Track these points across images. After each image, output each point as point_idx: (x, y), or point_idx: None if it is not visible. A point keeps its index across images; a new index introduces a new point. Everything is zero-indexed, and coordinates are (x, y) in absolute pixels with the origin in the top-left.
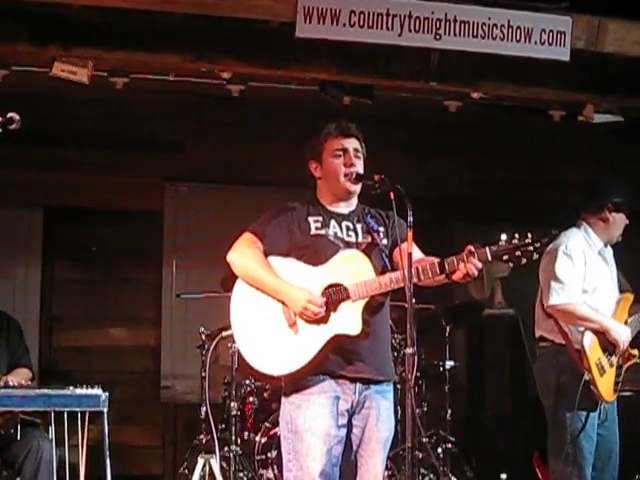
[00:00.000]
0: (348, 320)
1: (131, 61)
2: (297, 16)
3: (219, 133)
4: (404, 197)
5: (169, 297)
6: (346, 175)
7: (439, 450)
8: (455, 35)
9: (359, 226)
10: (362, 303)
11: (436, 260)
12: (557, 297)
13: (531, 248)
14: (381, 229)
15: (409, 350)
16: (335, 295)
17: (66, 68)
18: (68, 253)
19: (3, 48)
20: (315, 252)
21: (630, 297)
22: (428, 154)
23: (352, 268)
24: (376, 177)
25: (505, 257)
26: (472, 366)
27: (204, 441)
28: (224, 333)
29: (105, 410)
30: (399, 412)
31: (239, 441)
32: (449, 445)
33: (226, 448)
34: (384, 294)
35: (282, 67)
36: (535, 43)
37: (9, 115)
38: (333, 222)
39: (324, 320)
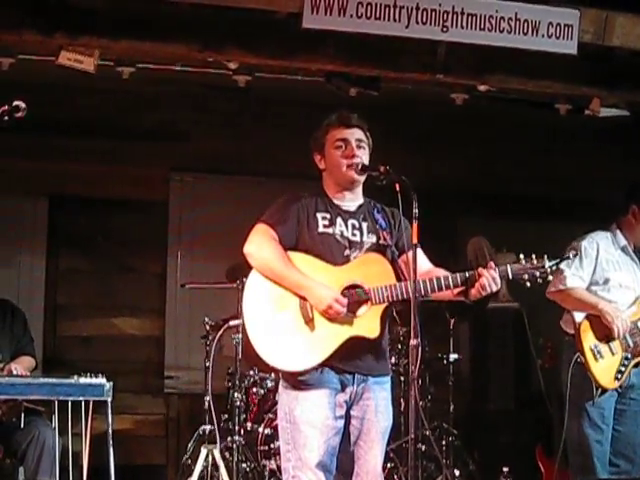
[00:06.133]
0: (367, 323)
1: (137, 51)
2: (304, 7)
3: (225, 123)
4: (409, 189)
5: (173, 287)
6: (349, 166)
7: (442, 443)
8: (462, 27)
9: (365, 225)
10: (382, 307)
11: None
12: (553, 285)
13: (548, 270)
14: (387, 228)
15: (413, 342)
16: (355, 297)
17: (72, 57)
18: (73, 242)
19: (9, 36)
20: (321, 250)
21: None
22: (434, 146)
23: (372, 271)
24: (382, 168)
25: (525, 277)
26: (476, 359)
27: (207, 431)
28: (231, 323)
29: (109, 400)
30: (402, 404)
31: (242, 432)
32: (452, 438)
33: (229, 439)
34: (402, 301)
35: (288, 58)
36: (542, 36)
37: (15, 103)
38: (340, 220)
39: (343, 320)
